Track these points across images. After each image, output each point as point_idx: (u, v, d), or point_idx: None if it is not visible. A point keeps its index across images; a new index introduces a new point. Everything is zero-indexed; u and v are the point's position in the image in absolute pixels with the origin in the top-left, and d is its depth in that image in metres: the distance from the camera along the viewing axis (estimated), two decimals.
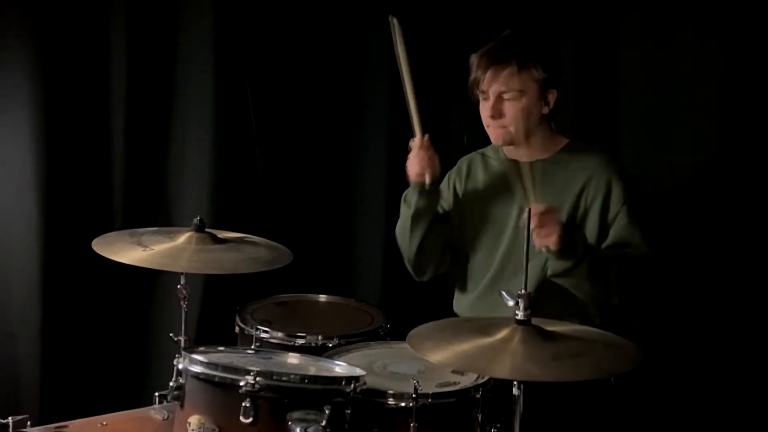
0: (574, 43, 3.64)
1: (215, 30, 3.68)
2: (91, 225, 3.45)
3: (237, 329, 3.06)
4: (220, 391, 2.39)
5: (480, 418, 2.53)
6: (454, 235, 3.05)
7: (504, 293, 2.41)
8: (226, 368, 2.39)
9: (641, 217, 2.86)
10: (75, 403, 3.55)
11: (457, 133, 3.46)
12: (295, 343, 2.93)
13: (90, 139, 3.69)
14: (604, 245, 2.86)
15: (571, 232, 2.74)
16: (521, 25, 3.66)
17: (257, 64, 3.78)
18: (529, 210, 2.43)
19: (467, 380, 2.58)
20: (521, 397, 2.35)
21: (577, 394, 2.77)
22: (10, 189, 3.57)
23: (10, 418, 2.57)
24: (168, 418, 2.71)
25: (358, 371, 2.52)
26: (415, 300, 3.49)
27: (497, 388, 2.54)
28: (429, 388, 2.51)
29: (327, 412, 2.32)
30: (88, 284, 3.68)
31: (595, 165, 2.89)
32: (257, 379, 2.34)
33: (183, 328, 2.94)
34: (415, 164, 2.96)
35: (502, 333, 2.32)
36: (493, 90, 2.86)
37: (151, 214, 3.73)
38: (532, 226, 2.64)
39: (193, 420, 2.40)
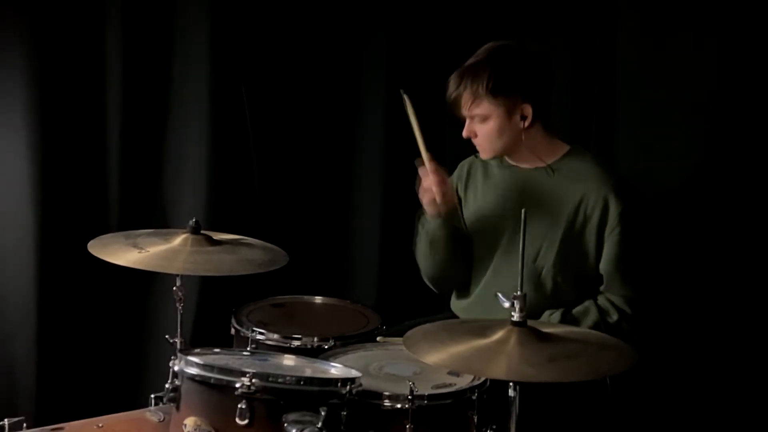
0: (570, 45, 3.65)
1: (211, 32, 3.68)
2: (86, 227, 3.45)
3: (233, 331, 3.06)
4: (216, 392, 2.39)
5: (476, 420, 2.54)
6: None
7: (500, 294, 2.42)
8: (221, 370, 2.39)
9: (636, 239, 2.87)
10: (71, 404, 3.54)
11: (454, 136, 3.46)
12: (290, 344, 2.92)
13: (86, 141, 3.68)
14: (600, 268, 2.88)
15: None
16: (517, 26, 3.67)
17: (253, 65, 3.78)
18: (525, 212, 2.44)
19: (463, 382, 2.59)
20: (517, 399, 2.35)
21: (573, 395, 2.78)
22: (6, 191, 3.57)
23: (6, 419, 2.57)
24: (164, 419, 2.71)
25: (353, 373, 2.52)
26: (411, 301, 3.49)
27: (493, 389, 2.54)
28: (425, 389, 2.51)
29: (323, 413, 2.32)
30: (84, 286, 3.67)
31: (595, 176, 2.88)
32: (253, 380, 2.34)
33: (179, 329, 2.94)
34: (427, 193, 2.95)
35: (498, 334, 2.32)
36: (462, 113, 2.88)
37: (147, 215, 3.72)
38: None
39: (189, 422, 2.40)
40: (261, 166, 3.84)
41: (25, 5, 3.50)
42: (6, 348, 3.62)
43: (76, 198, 3.67)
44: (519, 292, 2.34)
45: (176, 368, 2.48)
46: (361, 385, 2.46)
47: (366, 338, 2.96)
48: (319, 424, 2.30)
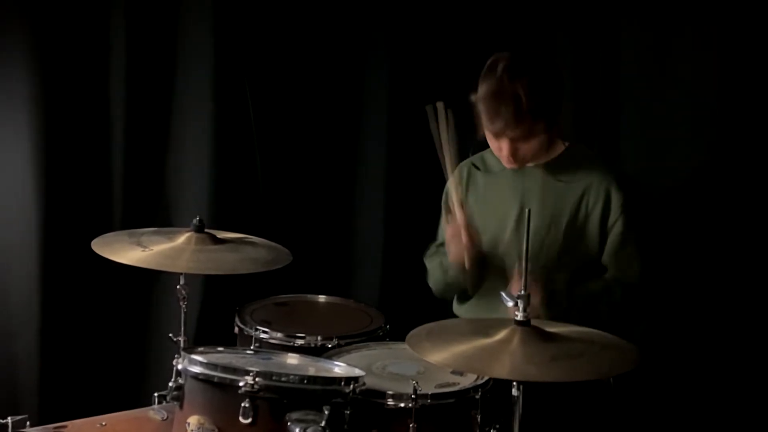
0: (573, 44, 3.64)
1: (215, 30, 3.68)
2: (90, 225, 3.45)
3: (236, 329, 3.06)
4: (220, 391, 2.39)
5: (479, 419, 2.53)
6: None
7: (504, 294, 2.41)
8: (225, 369, 2.39)
9: (637, 229, 2.87)
10: (74, 403, 3.55)
11: (457, 134, 3.46)
12: (294, 343, 2.92)
13: (89, 140, 3.69)
14: (603, 260, 2.88)
15: (552, 296, 2.78)
16: (520, 25, 3.67)
17: (257, 63, 3.78)
18: (529, 211, 2.43)
19: (466, 381, 2.59)
20: (520, 398, 2.35)
21: (577, 394, 2.78)
22: (10, 189, 3.57)
23: (9, 418, 2.57)
24: (167, 418, 2.71)
25: (357, 372, 2.52)
26: (415, 301, 3.49)
27: (496, 389, 2.54)
28: (428, 388, 2.51)
29: (326, 412, 2.32)
30: (88, 284, 3.68)
31: (595, 171, 2.88)
32: (256, 379, 2.34)
33: (182, 328, 2.94)
34: (455, 244, 2.92)
35: (502, 334, 2.32)
36: (504, 137, 2.81)
37: (151, 214, 3.73)
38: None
39: (193, 420, 2.40)
40: (264, 164, 3.84)
41: (29, 4, 3.50)
42: (9, 346, 3.63)
43: (80, 196, 3.68)
44: (523, 292, 2.34)
45: (179, 367, 2.48)
46: (364, 384, 2.46)
47: (369, 337, 2.96)
48: (323, 423, 2.30)
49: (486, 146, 2.98)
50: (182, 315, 2.95)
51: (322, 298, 3.32)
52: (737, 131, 3.42)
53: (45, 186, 3.58)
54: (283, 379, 2.37)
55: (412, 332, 2.47)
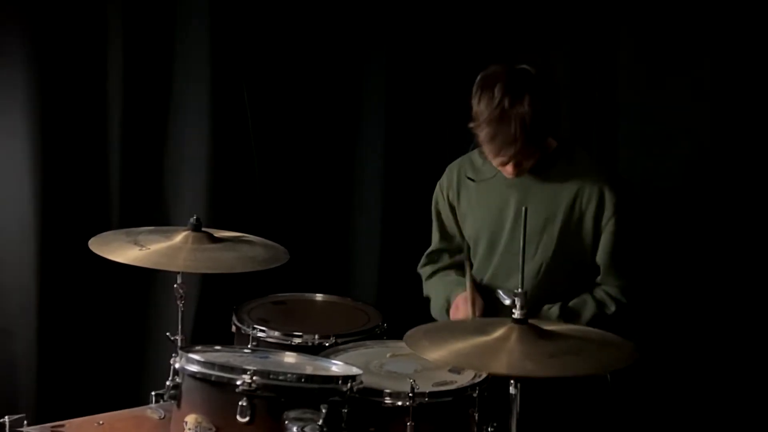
0: (572, 46, 3.64)
1: (212, 30, 3.68)
2: (87, 224, 3.45)
3: (234, 328, 3.06)
4: (217, 390, 2.39)
5: (477, 417, 2.54)
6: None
7: (500, 292, 2.42)
8: (222, 367, 2.39)
9: (631, 228, 2.87)
10: (72, 402, 3.55)
11: (454, 134, 3.46)
12: (291, 342, 2.92)
13: (86, 139, 3.68)
14: (596, 258, 2.88)
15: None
16: (518, 28, 3.67)
17: (254, 63, 3.78)
18: (526, 209, 2.43)
19: (464, 379, 2.59)
20: (518, 396, 2.35)
21: (574, 392, 2.78)
22: (7, 188, 3.57)
23: (6, 417, 2.57)
24: (165, 417, 2.71)
25: (354, 370, 2.52)
26: (412, 299, 3.49)
27: (494, 386, 2.54)
28: (426, 387, 2.51)
29: (324, 411, 2.32)
30: (85, 283, 3.67)
31: (589, 169, 2.88)
32: (254, 378, 2.34)
33: (180, 327, 2.94)
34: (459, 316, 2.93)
35: (499, 332, 2.32)
36: (510, 161, 2.79)
37: (148, 213, 3.72)
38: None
39: (190, 419, 2.40)
40: (262, 163, 3.83)
41: (27, 6, 3.50)
42: (7, 345, 3.62)
43: (77, 195, 3.68)
44: (520, 290, 2.34)
45: (177, 365, 2.48)
46: (362, 382, 2.46)
47: (367, 336, 2.96)
48: (320, 422, 2.30)
49: None
50: (179, 314, 2.95)
51: (319, 296, 3.32)
52: (735, 132, 3.42)
53: (42, 185, 3.57)
54: (280, 377, 2.37)
55: (409, 332, 2.47)
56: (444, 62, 3.74)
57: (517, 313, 2.34)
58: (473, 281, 2.91)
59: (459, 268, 3.05)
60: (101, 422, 2.70)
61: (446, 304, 2.99)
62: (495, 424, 2.55)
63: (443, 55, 3.75)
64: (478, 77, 2.78)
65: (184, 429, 2.41)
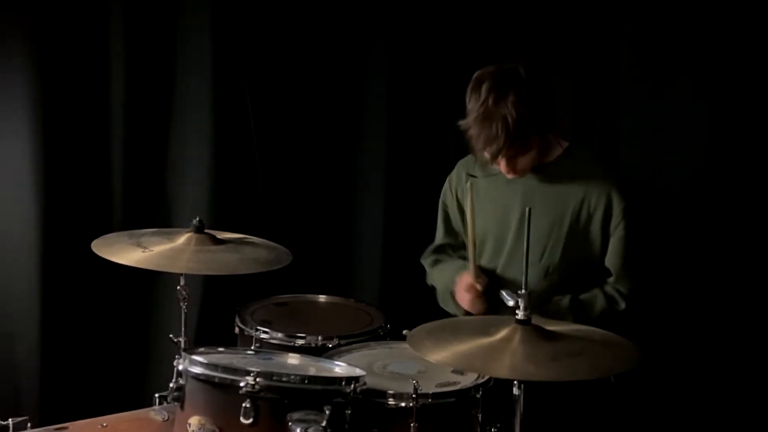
0: (573, 45, 3.64)
1: (214, 31, 3.68)
2: (90, 226, 3.46)
3: (237, 330, 3.06)
4: (220, 392, 2.39)
5: (480, 418, 2.54)
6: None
7: (504, 293, 2.41)
8: (226, 369, 2.40)
9: (640, 232, 2.87)
10: (75, 404, 3.54)
11: (457, 133, 3.46)
12: (294, 343, 2.92)
13: (89, 141, 3.69)
14: (606, 262, 2.88)
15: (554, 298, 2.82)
16: (518, 29, 3.66)
17: (256, 64, 3.78)
18: (529, 210, 2.43)
19: (467, 380, 2.59)
20: (521, 397, 2.35)
21: (577, 393, 2.77)
22: (10, 190, 3.57)
23: (10, 419, 2.57)
24: (168, 419, 2.71)
25: (357, 371, 2.52)
26: (415, 300, 3.49)
27: (497, 387, 2.54)
28: (429, 388, 2.51)
29: (327, 412, 2.32)
30: (88, 285, 3.68)
31: (596, 173, 2.87)
32: (257, 379, 2.34)
33: (183, 329, 2.94)
34: (464, 301, 2.93)
35: (502, 333, 2.32)
36: (495, 158, 2.79)
37: (151, 215, 3.72)
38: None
39: (194, 421, 2.41)
40: (264, 165, 3.83)
41: (30, 7, 3.50)
42: (10, 347, 3.63)
43: (80, 197, 3.68)
44: (523, 291, 2.34)
45: (180, 367, 2.48)
46: (365, 383, 2.46)
47: (370, 337, 2.96)
48: (324, 423, 2.30)
49: None
50: (183, 315, 2.95)
51: (322, 297, 3.32)
52: (736, 131, 3.42)
53: (45, 187, 3.57)
54: (283, 379, 2.37)
55: (412, 331, 2.47)
56: (446, 63, 3.74)
57: (520, 314, 2.34)
58: (476, 262, 2.91)
59: (464, 258, 3.04)
60: (104, 424, 2.71)
61: (451, 288, 2.99)
62: (498, 425, 2.54)
63: (445, 56, 3.75)
64: (472, 78, 2.80)
65: (187, 431, 2.41)
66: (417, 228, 3.33)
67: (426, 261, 3.16)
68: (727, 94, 3.40)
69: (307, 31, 3.81)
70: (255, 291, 3.31)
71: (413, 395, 2.42)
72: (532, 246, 2.42)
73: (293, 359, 2.68)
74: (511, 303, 2.37)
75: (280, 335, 2.95)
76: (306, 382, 2.39)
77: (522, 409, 2.35)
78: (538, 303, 2.40)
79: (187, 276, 2.93)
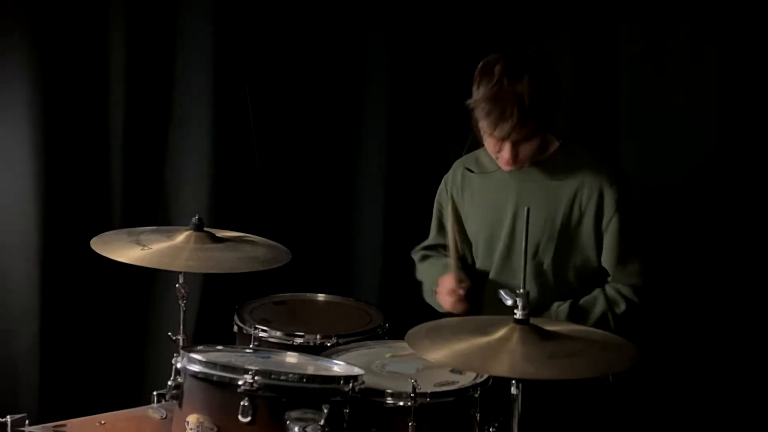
0: (572, 42, 3.64)
1: (214, 29, 3.68)
2: (89, 224, 3.45)
3: (235, 328, 3.06)
4: (219, 390, 2.39)
5: (478, 418, 2.53)
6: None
7: (502, 292, 2.41)
8: (224, 367, 2.39)
9: (635, 226, 2.86)
10: (73, 401, 3.55)
11: (456, 133, 3.46)
12: (293, 342, 2.92)
13: (89, 138, 3.69)
14: (603, 261, 2.87)
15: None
16: (518, 23, 3.67)
17: (256, 62, 3.78)
18: (528, 209, 2.43)
19: (466, 379, 2.58)
20: (520, 397, 2.35)
21: (576, 393, 2.78)
22: (9, 187, 3.57)
23: (8, 416, 2.57)
24: (166, 417, 2.71)
25: (356, 370, 2.52)
26: (414, 299, 3.49)
27: (496, 387, 2.54)
28: (427, 387, 2.51)
29: (325, 411, 2.32)
30: (87, 283, 3.68)
31: (588, 168, 2.87)
32: (256, 378, 2.34)
33: (181, 327, 2.94)
34: (446, 302, 2.96)
35: (501, 332, 2.32)
36: (507, 140, 2.78)
37: (150, 213, 3.73)
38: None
39: (192, 419, 2.40)
40: (264, 163, 3.84)
41: (29, 7, 3.50)
42: (9, 345, 3.63)
43: (79, 195, 3.68)
44: (522, 290, 2.34)
45: (179, 365, 2.48)
46: (363, 382, 2.46)
47: (368, 336, 2.96)
48: (322, 422, 2.30)
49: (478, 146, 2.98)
50: (181, 313, 2.95)
51: (321, 296, 3.32)
52: (737, 129, 3.42)
53: (45, 185, 3.58)
54: (282, 377, 2.37)
55: (411, 330, 2.47)
56: (446, 60, 3.74)
57: (519, 314, 2.34)
58: (459, 261, 2.93)
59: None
60: (103, 422, 2.70)
61: (434, 288, 3.00)
62: (497, 425, 2.54)
63: (445, 53, 3.75)
64: (479, 65, 2.81)
65: (185, 429, 2.41)
66: (416, 227, 3.32)
67: (416, 255, 3.18)
68: (730, 88, 3.41)
69: (307, 30, 3.81)
70: (254, 289, 3.30)
71: (411, 394, 2.42)
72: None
73: (292, 358, 2.68)
74: (509, 302, 2.37)
75: (278, 334, 2.95)
76: (304, 380, 2.39)
77: (520, 409, 2.35)
78: (536, 309, 2.41)
79: (186, 274, 2.93)
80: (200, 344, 2.65)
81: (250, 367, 2.37)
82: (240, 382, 2.34)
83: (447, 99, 3.72)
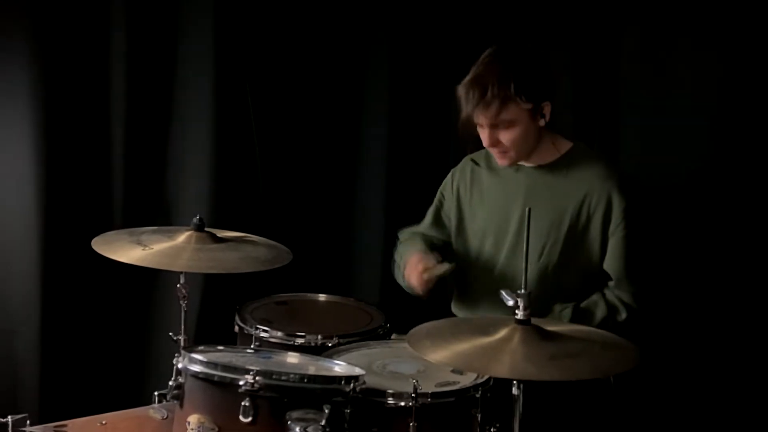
0: (573, 43, 3.64)
1: (215, 30, 3.68)
2: (90, 224, 3.46)
3: (236, 328, 3.06)
4: (220, 390, 2.39)
5: (479, 418, 2.53)
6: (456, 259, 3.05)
7: (504, 293, 2.41)
8: (225, 367, 2.39)
9: (640, 234, 2.87)
10: (74, 402, 3.55)
11: (457, 135, 3.46)
12: (294, 342, 2.92)
13: (90, 138, 3.69)
14: (605, 266, 2.88)
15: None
16: (519, 26, 3.67)
17: (257, 63, 3.78)
18: (529, 209, 2.43)
19: (467, 380, 2.58)
20: (521, 397, 2.35)
21: (577, 393, 2.78)
22: (11, 187, 3.58)
23: (9, 416, 2.57)
24: (167, 417, 2.71)
25: (357, 371, 2.52)
26: (415, 299, 3.49)
27: (497, 387, 2.54)
28: (428, 387, 2.51)
29: (326, 411, 2.32)
30: (88, 283, 3.68)
31: (597, 174, 2.88)
32: (257, 378, 2.34)
33: (182, 327, 2.94)
34: (412, 276, 2.99)
35: (502, 333, 2.32)
36: (485, 123, 2.82)
37: (151, 213, 3.73)
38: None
39: (193, 419, 2.40)
40: (265, 163, 3.84)
41: (30, 5, 3.50)
42: (10, 345, 3.63)
43: (80, 195, 3.68)
44: (523, 291, 2.34)
45: (180, 366, 2.48)
46: (364, 382, 2.46)
47: (369, 336, 2.96)
48: (323, 422, 2.30)
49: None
50: (182, 314, 2.95)
51: (322, 296, 3.32)
52: (737, 132, 3.42)
53: (46, 185, 3.58)
54: (283, 377, 2.37)
55: (412, 331, 2.47)
56: (446, 63, 3.74)
57: (520, 314, 2.34)
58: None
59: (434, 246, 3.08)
60: (104, 422, 2.70)
61: (406, 258, 3.03)
62: (498, 425, 2.54)
63: (444, 56, 3.75)
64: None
65: (186, 429, 2.41)
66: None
67: (402, 235, 3.20)
68: (731, 91, 3.41)
69: (308, 30, 3.82)
70: (255, 289, 3.31)
71: (413, 395, 2.42)
72: (531, 244, 2.42)
73: (293, 358, 2.68)
74: (510, 303, 2.37)
75: (279, 334, 2.95)
76: (305, 381, 2.39)
77: (521, 409, 2.35)
78: (538, 311, 2.41)
79: (187, 274, 2.93)
80: (201, 344, 2.64)
81: (251, 368, 2.37)
82: (241, 383, 2.34)
83: (448, 101, 3.70)
